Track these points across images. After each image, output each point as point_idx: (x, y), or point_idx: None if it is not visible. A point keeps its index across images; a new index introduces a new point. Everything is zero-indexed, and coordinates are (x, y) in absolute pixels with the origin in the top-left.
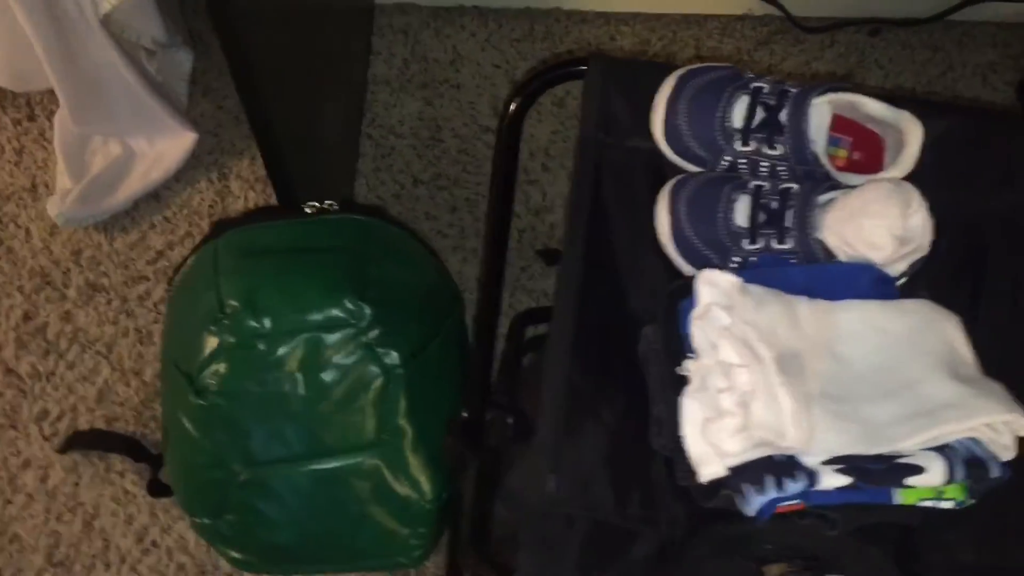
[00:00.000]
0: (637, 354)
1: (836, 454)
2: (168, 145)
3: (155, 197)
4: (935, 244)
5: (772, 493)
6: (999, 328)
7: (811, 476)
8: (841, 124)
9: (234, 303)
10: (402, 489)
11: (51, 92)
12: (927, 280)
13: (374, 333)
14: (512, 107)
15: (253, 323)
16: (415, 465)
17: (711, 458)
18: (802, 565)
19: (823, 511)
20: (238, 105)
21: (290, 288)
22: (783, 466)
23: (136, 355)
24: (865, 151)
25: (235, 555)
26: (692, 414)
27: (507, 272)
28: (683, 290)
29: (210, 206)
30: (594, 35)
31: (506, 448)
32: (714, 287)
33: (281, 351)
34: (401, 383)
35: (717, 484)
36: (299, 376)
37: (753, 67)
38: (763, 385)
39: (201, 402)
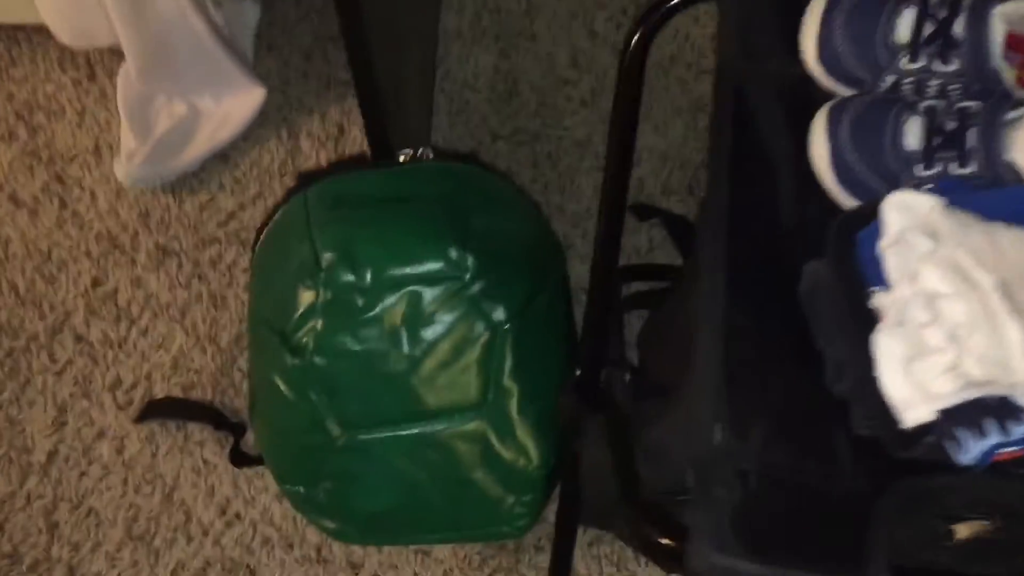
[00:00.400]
0: (798, 295)
1: None
2: (236, 102)
3: (223, 157)
4: None
5: (995, 438)
6: None
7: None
8: (1012, 40)
9: (330, 255)
10: (508, 453)
11: (111, 50)
12: None
13: (478, 286)
14: (635, 40)
15: (351, 276)
16: (522, 428)
17: (916, 401)
18: (1000, 523)
19: None
20: (305, 61)
21: (389, 239)
22: (1003, 408)
23: (211, 320)
24: None
25: (330, 525)
26: (890, 353)
27: (594, 229)
28: (858, 219)
29: (281, 165)
30: None
31: (631, 406)
32: (907, 211)
33: (381, 306)
34: (507, 339)
35: (920, 431)
36: (400, 332)
37: None
38: (983, 315)
39: (296, 361)
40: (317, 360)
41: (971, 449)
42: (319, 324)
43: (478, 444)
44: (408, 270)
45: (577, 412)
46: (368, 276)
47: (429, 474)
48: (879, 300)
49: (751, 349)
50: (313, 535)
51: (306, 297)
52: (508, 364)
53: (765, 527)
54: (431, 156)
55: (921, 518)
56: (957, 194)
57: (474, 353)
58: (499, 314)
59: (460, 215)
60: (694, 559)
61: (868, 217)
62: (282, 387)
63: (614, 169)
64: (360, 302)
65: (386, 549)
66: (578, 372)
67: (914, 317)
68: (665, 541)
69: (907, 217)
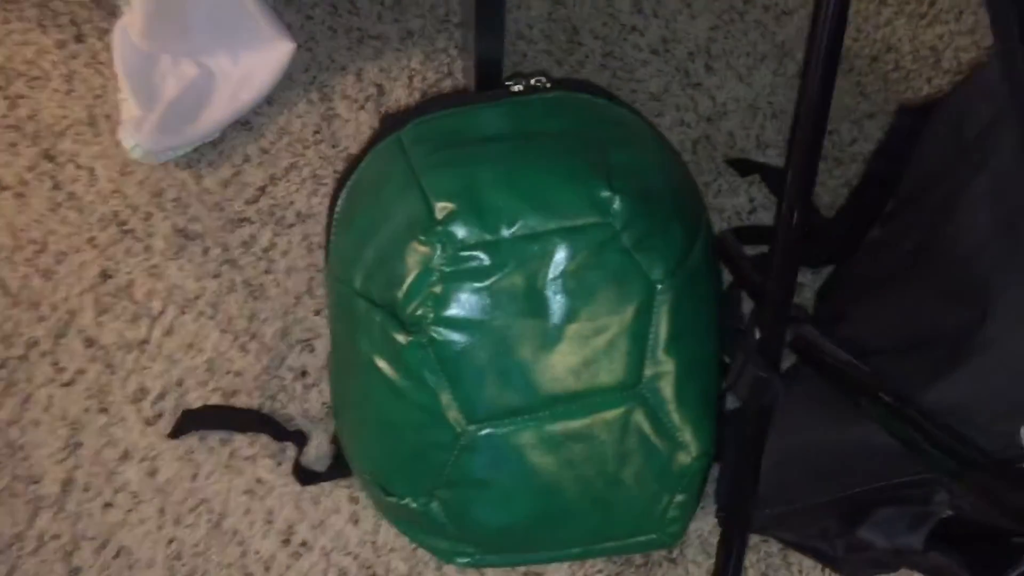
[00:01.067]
0: None
1: None
2: (257, 60)
3: (245, 125)
4: None
5: None
6: None
7: None
8: None
9: (449, 205)
10: (663, 443)
11: (99, 4)
12: None
13: (629, 236)
14: None
15: (477, 229)
16: (679, 411)
17: None
18: None
19: None
20: (331, 14)
21: (520, 181)
22: None
23: (249, 313)
24: None
25: (443, 545)
26: None
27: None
28: None
29: (315, 132)
30: None
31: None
32: None
33: (514, 265)
34: (664, 302)
35: None
36: (538, 297)
37: None
38: None
39: (410, 339)
40: (436, 335)
41: None
42: (438, 289)
43: (629, 433)
44: (547, 218)
45: (764, 382)
46: (498, 228)
47: (571, 473)
48: None
49: None
50: (400, 562)
51: (419, 259)
52: (664, 333)
53: None
54: (549, 84)
55: None
56: None
57: (625, 321)
58: (655, 270)
59: (599, 151)
60: None
61: None
62: (390, 372)
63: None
64: (490, 261)
65: (489, 572)
66: (757, 333)
67: None
68: None
69: None
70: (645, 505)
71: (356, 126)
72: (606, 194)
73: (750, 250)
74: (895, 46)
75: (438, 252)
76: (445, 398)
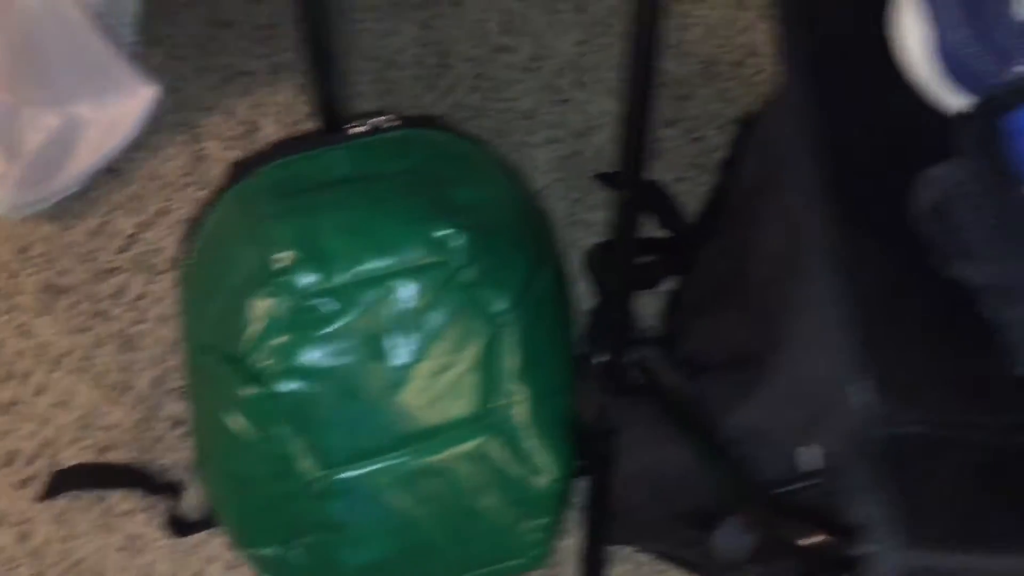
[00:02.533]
0: (911, 212)
1: None
2: (122, 106)
3: (113, 171)
4: None
5: None
6: None
7: None
8: None
9: (289, 254)
10: (519, 470)
11: None
12: None
13: (473, 271)
14: None
15: (317, 276)
16: (533, 437)
17: None
18: None
19: None
20: (198, 52)
21: (361, 225)
22: None
23: (121, 366)
24: None
25: None
26: None
27: (558, 205)
28: (1002, 103)
29: (185, 174)
30: None
31: (686, 387)
32: None
33: (358, 310)
34: (512, 332)
35: None
36: (382, 339)
37: None
38: None
39: (256, 391)
40: (282, 386)
41: None
42: (283, 340)
43: (484, 463)
44: (387, 261)
45: (607, 405)
46: (338, 273)
47: (429, 509)
48: None
49: (874, 283)
50: None
51: (262, 309)
52: (514, 364)
53: (950, 505)
54: (395, 122)
55: None
56: None
57: (473, 355)
58: (499, 303)
59: (440, 190)
60: (883, 560)
61: (1014, 100)
62: (239, 425)
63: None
64: (332, 307)
65: None
66: (601, 356)
67: None
68: (813, 542)
69: None
70: (506, 532)
71: (227, 165)
72: (445, 232)
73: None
74: (758, 50)
75: (280, 303)
76: (295, 447)
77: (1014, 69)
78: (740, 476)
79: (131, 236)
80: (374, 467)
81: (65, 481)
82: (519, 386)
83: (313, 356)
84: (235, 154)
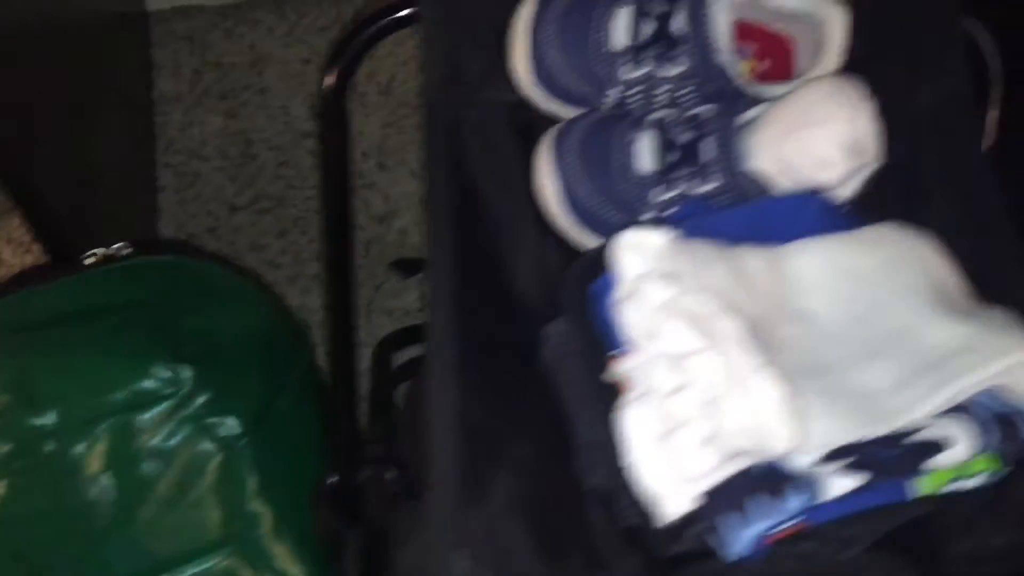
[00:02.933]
0: (541, 365)
1: (835, 445)
2: None
3: None
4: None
5: (764, 520)
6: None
7: (812, 485)
8: (741, 30)
9: (3, 398)
10: None
11: None
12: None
13: (201, 400)
14: (329, 81)
15: (34, 420)
16: (281, 554)
17: (673, 488)
18: None
19: (832, 529)
20: None
21: (78, 364)
22: (770, 480)
23: None
24: (773, 57)
25: None
26: (639, 430)
27: (359, 293)
28: (592, 267)
29: None
30: None
31: (394, 511)
32: (640, 252)
33: (78, 449)
34: (245, 457)
35: (683, 523)
36: (107, 477)
37: None
38: (732, 374)
39: None
40: (4, 533)
41: (737, 539)
42: (1, 487)
43: None
44: (108, 398)
45: (334, 526)
46: (55, 416)
47: None
48: (621, 366)
49: (491, 445)
50: None
51: None
52: (251, 485)
53: None
54: (128, 251)
55: None
56: (700, 218)
57: (207, 480)
58: (230, 428)
59: (169, 319)
60: None
61: (603, 263)
62: None
63: (334, 229)
64: (51, 448)
65: None
66: (332, 477)
67: (660, 384)
68: None
69: (640, 260)
70: None
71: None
72: (170, 365)
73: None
74: None
75: None
76: None
77: (643, 218)
78: None
79: None
80: None
81: None
82: (261, 505)
83: (33, 501)
84: (32, 257)
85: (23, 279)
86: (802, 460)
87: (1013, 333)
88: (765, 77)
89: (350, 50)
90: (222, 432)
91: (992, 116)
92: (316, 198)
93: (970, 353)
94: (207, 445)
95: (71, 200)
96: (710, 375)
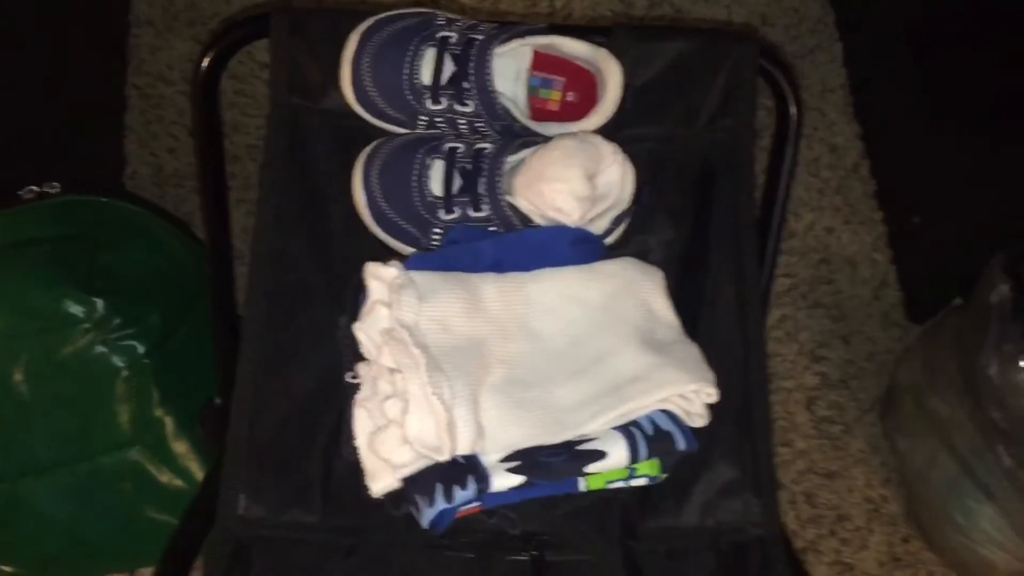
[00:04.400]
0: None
1: (518, 447)
2: None
3: None
4: (658, 184)
5: (441, 504)
6: (725, 265)
7: (483, 479)
8: (550, 64)
9: None
10: (172, 481)
11: None
12: (645, 227)
13: (111, 325)
14: (202, 71)
15: None
16: (182, 453)
17: (383, 470)
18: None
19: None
20: None
21: (3, 289)
22: (454, 471)
23: None
24: (579, 90)
25: (7, 569)
26: (362, 423)
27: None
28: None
29: None
30: None
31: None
32: (380, 281)
33: (3, 360)
34: (150, 373)
35: (391, 498)
36: (29, 383)
37: (456, 6)
38: (417, 393)
39: None
40: None
41: (425, 514)
42: None
43: (138, 477)
44: (29, 319)
45: (217, 443)
46: None
47: (94, 512)
48: (359, 370)
49: (278, 398)
50: None
51: None
52: (155, 396)
53: None
54: (56, 190)
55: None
56: (472, 242)
57: (116, 390)
58: (136, 349)
59: (86, 253)
60: None
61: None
62: None
63: (209, 187)
64: None
65: None
66: (216, 400)
67: (380, 389)
68: None
69: (380, 288)
70: (166, 530)
71: None
72: (82, 296)
73: None
74: None
75: None
76: None
77: (433, 232)
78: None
79: None
80: (38, 481)
81: None
82: (162, 413)
83: None
84: None
85: None
86: (488, 458)
87: (687, 367)
88: (572, 109)
89: (218, 48)
90: (128, 352)
91: (789, 153)
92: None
93: (643, 382)
94: (116, 361)
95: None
96: (409, 390)
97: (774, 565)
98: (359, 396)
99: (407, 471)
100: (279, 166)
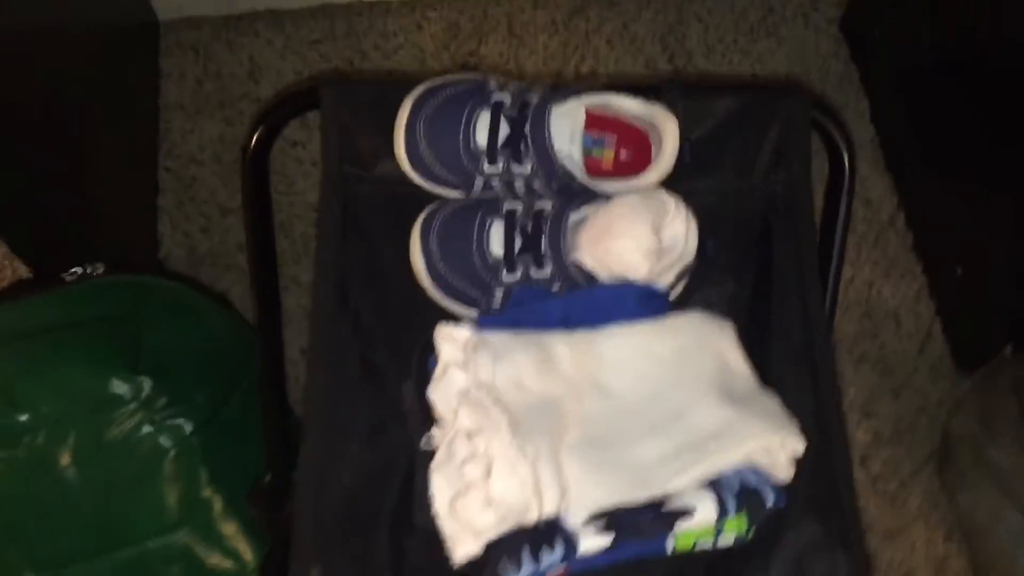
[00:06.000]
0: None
1: (602, 507)
2: None
3: None
4: (717, 238)
5: (528, 567)
6: (790, 317)
7: (570, 540)
8: (602, 122)
9: None
10: (221, 562)
11: None
12: (707, 282)
13: (158, 404)
14: (252, 146)
15: (12, 418)
16: (231, 534)
17: (464, 536)
18: None
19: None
20: None
21: (50, 372)
22: (541, 533)
23: None
24: (632, 148)
25: None
26: (441, 488)
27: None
28: (429, 345)
29: None
30: (399, 25)
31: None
32: (452, 343)
33: (50, 444)
34: (198, 452)
35: (481, 563)
36: (76, 467)
37: (532, 60)
38: (501, 453)
39: None
40: None
41: None
42: None
43: (185, 560)
44: (76, 402)
45: (268, 521)
46: (30, 415)
47: None
48: (434, 434)
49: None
50: None
51: None
52: (203, 474)
53: None
54: (101, 272)
55: None
56: (538, 301)
57: (165, 471)
58: (183, 428)
59: (131, 333)
60: None
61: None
62: None
63: (258, 258)
64: (28, 442)
65: None
66: (267, 476)
67: (457, 452)
68: None
69: (452, 349)
70: None
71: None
72: (129, 375)
73: None
74: None
75: None
76: (12, 557)
77: (495, 293)
78: None
79: None
80: (82, 569)
81: None
82: (212, 492)
83: (14, 484)
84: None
85: (10, 292)
86: (572, 519)
87: (769, 420)
88: (625, 167)
89: (268, 122)
90: (176, 432)
91: (845, 201)
92: (300, 203)
93: (726, 436)
94: (163, 441)
95: (56, 211)
96: (490, 451)
97: None
98: (435, 462)
99: (490, 535)
100: (334, 234)
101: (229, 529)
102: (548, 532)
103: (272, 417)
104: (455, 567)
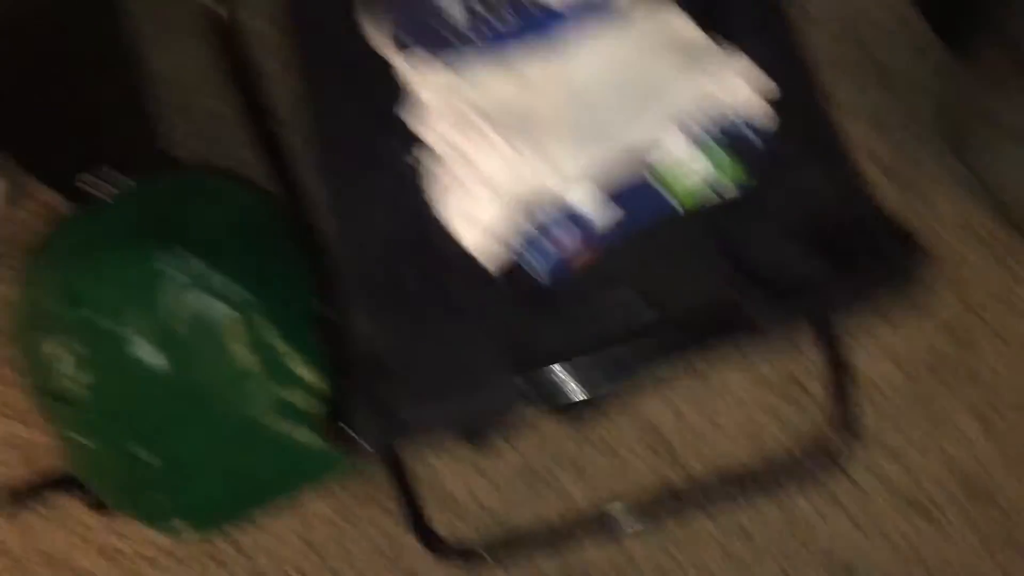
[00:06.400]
0: None
1: (587, 173)
2: None
3: None
4: None
5: (548, 248)
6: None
7: (576, 215)
8: None
9: (55, 304)
10: (298, 400)
11: None
12: None
13: (213, 280)
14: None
15: (79, 314)
16: (296, 367)
17: (483, 238)
18: None
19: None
20: None
21: (103, 268)
22: (546, 217)
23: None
24: None
25: (178, 525)
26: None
27: None
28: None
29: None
30: None
31: None
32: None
33: (121, 329)
34: (256, 310)
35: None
36: (151, 346)
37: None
38: (483, 144)
39: (74, 411)
40: (89, 400)
41: (541, 268)
42: (71, 368)
43: (275, 407)
44: (135, 289)
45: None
46: (94, 309)
47: (245, 449)
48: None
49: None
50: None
51: (50, 347)
52: (265, 327)
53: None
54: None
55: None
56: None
57: (231, 330)
58: (240, 293)
59: (178, 225)
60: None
61: None
62: (81, 440)
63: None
64: (102, 331)
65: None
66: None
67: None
68: None
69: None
70: (305, 452)
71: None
72: (178, 258)
73: None
74: None
75: (60, 340)
76: (126, 442)
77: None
78: None
79: None
80: (189, 434)
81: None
82: (275, 339)
83: (101, 374)
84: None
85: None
86: (572, 196)
87: (729, 62)
88: None
89: None
90: (231, 298)
91: None
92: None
93: (686, 75)
94: (225, 309)
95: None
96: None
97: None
98: (436, 186)
99: (498, 224)
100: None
101: (295, 363)
102: (554, 214)
103: (315, 252)
104: (493, 275)
